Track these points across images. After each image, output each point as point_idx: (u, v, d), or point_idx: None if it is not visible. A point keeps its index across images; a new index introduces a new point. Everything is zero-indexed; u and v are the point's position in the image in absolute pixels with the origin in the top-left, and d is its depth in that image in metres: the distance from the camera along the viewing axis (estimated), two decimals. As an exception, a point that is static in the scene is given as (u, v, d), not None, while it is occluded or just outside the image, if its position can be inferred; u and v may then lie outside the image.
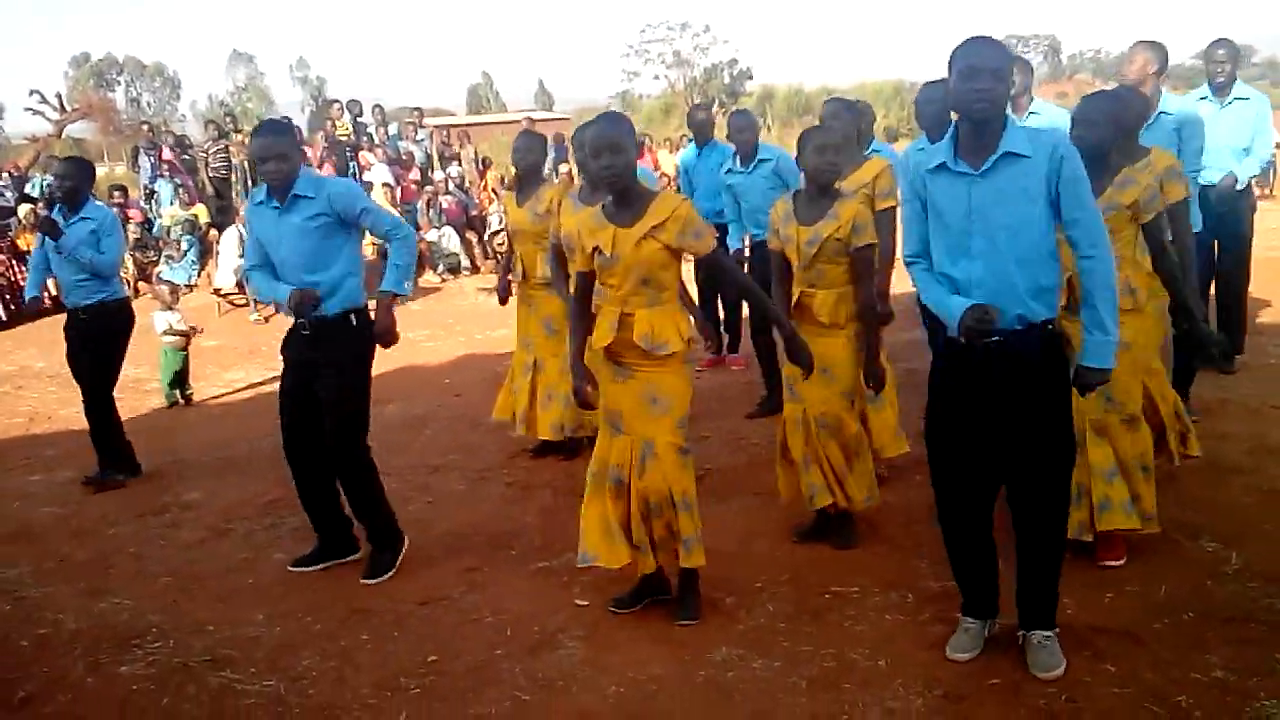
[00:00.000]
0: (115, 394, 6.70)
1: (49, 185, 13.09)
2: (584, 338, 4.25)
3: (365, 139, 17.15)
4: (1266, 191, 13.75)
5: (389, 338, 4.87)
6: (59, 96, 22.47)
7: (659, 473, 4.06)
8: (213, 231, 15.08)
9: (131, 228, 14.41)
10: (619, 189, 4.02)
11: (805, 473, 4.83)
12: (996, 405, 3.58)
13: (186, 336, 9.18)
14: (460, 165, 17.66)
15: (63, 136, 23.81)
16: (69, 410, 8.44)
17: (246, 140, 17.64)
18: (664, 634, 4.20)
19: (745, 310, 8.13)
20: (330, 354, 4.80)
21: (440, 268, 15.27)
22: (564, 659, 4.08)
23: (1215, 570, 4.42)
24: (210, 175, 16.59)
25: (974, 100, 3.37)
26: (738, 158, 7.10)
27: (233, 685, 4.03)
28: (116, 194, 15.04)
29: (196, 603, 4.84)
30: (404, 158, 17.06)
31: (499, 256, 14.33)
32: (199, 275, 14.66)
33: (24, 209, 14.15)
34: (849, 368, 4.80)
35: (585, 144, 4.49)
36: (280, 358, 5.02)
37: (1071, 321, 4.18)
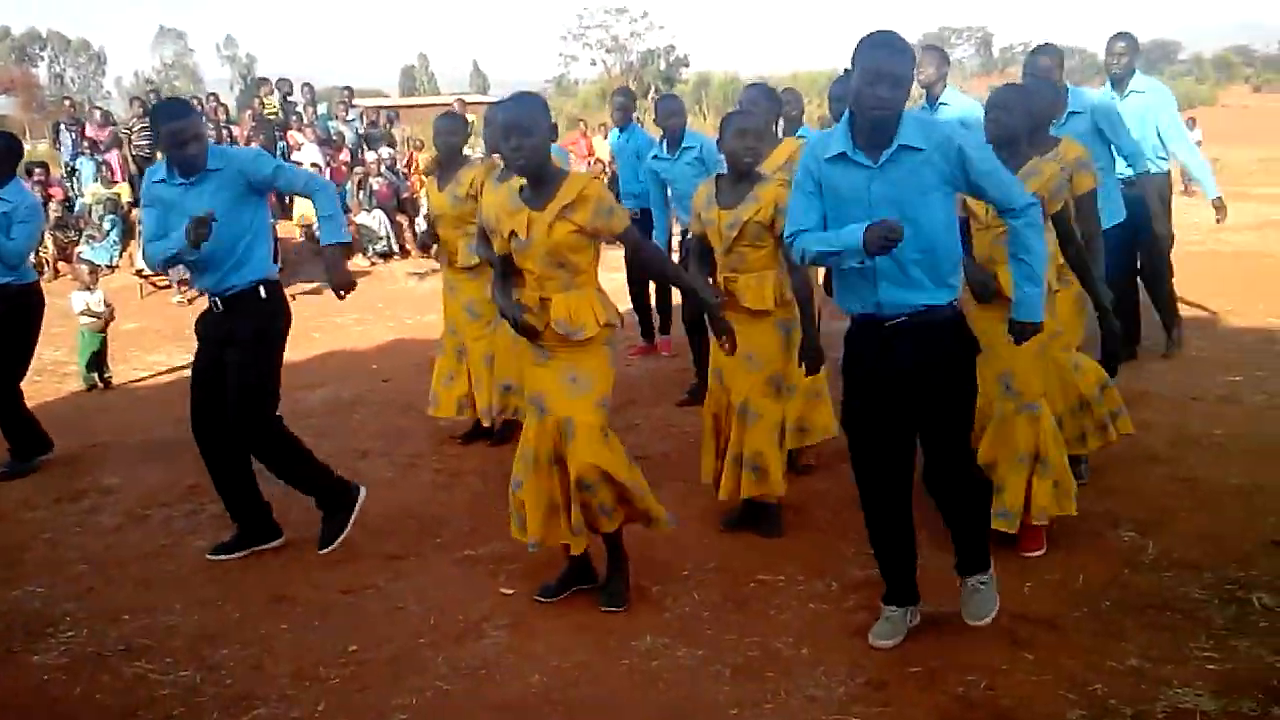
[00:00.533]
0: (33, 376, 6.50)
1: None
2: (508, 285, 4.22)
3: (294, 118, 16.86)
4: (1184, 188, 13.98)
5: (348, 287, 4.88)
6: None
7: (578, 453, 4.03)
8: (135, 211, 14.73)
9: (52, 206, 14.02)
10: (530, 171, 3.97)
11: (727, 462, 4.85)
12: (905, 387, 3.64)
13: (104, 318, 8.97)
14: (392, 148, 17.44)
15: (-18, 111, 23.14)
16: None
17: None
18: (589, 622, 4.19)
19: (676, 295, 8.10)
20: (239, 326, 4.73)
21: (369, 251, 15.08)
22: (488, 648, 4.04)
23: (1133, 559, 4.50)
24: (134, 153, 16.20)
25: (873, 105, 3.42)
26: (664, 144, 7.06)
27: (148, 675, 3.95)
28: (37, 171, 14.60)
29: (113, 590, 4.73)
30: (334, 138, 16.80)
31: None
32: (121, 256, 14.31)
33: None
34: (775, 353, 4.81)
35: (496, 125, 4.44)
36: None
37: (984, 311, 4.27)
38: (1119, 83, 7.04)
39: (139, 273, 13.35)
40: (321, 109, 18.08)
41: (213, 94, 18.55)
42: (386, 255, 15.24)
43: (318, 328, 10.63)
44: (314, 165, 14.69)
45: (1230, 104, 43.67)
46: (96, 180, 14.89)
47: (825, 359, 4.80)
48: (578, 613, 4.27)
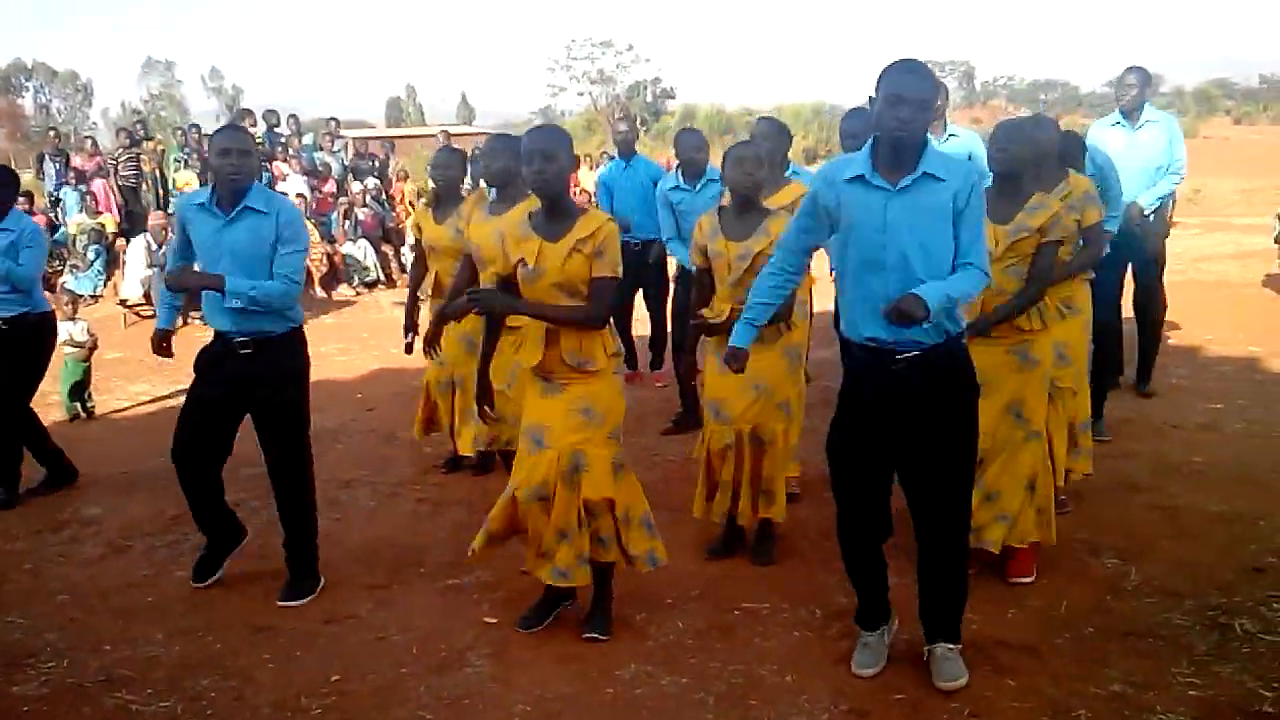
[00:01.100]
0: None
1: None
2: (493, 346, 4.33)
3: (279, 149, 16.89)
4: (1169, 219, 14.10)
5: (177, 284, 4.64)
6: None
7: (591, 483, 4.04)
8: (120, 241, 14.73)
9: (36, 235, 14.00)
10: (548, 197, 4.00)
11: (733, 494, 4.85)
12: (904, 419, 3.63)
13: (87, 348, 8.94)
14: (376, 179, 17.47)
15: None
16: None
17: (157, 148, 17.35)
18: (572, 651, 4.18)
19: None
20: (271, 367, 4.66)
21: (355, 281, 15.09)
22: (471, 677, 4.03)
23: (1116, 586, 4.52)
24: (119, 184, 16.20)
25: (895, 128, 3.43)
26: (681, 174, 7.05)
27: (128, 706, 3.92)
28: (22, 201, 14.51)
29: (94, 621, 4.69)
30: (320, 169, 16.83)
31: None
32: (105, 285, 14.29)
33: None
34: (783, 380, 4.82)
35: (497, 150, 4.48)
36: (193, 371, 4.85)
37: (985, 346, 4.28)
38: (1131, 115, 7.09)
39: (123, 302, 13.32)
40: (307, 140, 18.11)
41: (194, 125, 18.51)
42: (372, 285, 15.26)
43: (302, 357, 10.52)
44: (299, 196, 14.70)
45: (1211, 135, 44.03)
46: (81, 210, 14.89)
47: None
48: (561, 642, 4.26)
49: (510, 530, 4.25)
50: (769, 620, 4.38)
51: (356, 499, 6.25)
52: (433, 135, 20.71)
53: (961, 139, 6.47)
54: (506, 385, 5.18)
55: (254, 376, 4.64)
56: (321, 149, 17.81)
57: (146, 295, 12.90)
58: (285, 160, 16.54)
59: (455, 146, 7.43)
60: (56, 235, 14.87)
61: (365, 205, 16.16)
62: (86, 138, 19.16)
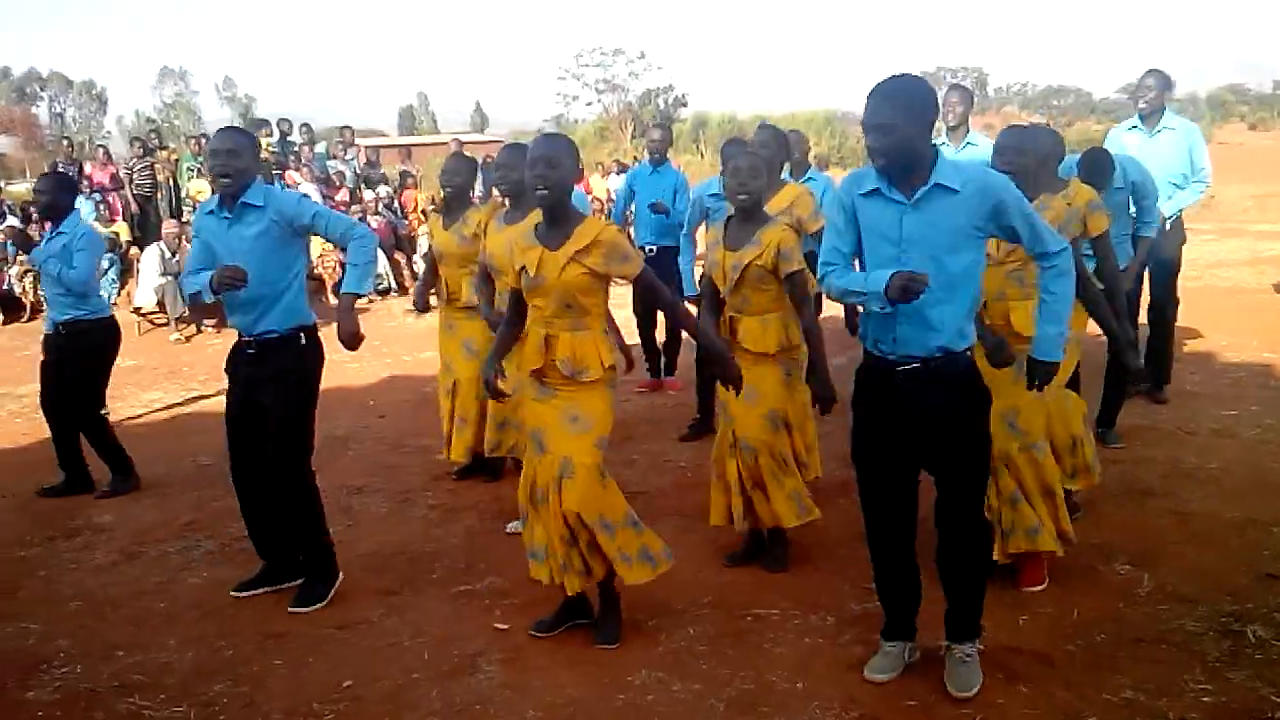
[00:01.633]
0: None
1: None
2: (508, 342, 4.33)
3: (291, 158, 16.95)
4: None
5: (354, 340, 4.69)
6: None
7: (574, 493, 4.04)
8: (133, 249, 14.81)
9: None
10: (550, 204, 4.01)
11: (735, 495, 4.85)
12: (917, 431, 3.63)
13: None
14: (388, 185, 17.53)
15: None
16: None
17: (171, 157, 17.43)
18: (583, 657, 4.18)
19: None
20: (276, 372, 4.68)
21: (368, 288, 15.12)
22: (482, 683, 4.03)
23: (1128, 592, 4.50)
24: (134, 193, 16.30)
25: (873, 154, 3.49)
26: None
27: (141, 712, 3.93)
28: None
29: (107, 627, 4.71)
30: (332, 177, 16.88)
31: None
32: (119, 294, 14.36)
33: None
34: (776, 390, 4.82)
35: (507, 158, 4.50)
36: (225, 376, 4.88)
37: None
38: (1149, 119, 7.06)
39: (136, 310, 13.39)
40: (320, 148, 18.17)
41: (204, 134, 18.61)
42: (384, 293, 15.30)
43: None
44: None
45: (1226, 141, 43.85)
46: (95, 219, 14.97)
47: (837, 398, 4.68)
48: (572, 648, 4.26)
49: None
50: (780, 626, 4.37)
51: (368, 505, 6.26)
52: (445, 144, 20.74)
53: (980, 148, 6.46)
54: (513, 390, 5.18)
55: (260, 376, 4.71)
56: (334, 157, 17.88)
57: (160, 303, 12.98)
58: (298, 169, 16.60)
59: (466, 154, 7.42)
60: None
61: (377, 213, 16.20)
62: (100, 147, 19.28)
